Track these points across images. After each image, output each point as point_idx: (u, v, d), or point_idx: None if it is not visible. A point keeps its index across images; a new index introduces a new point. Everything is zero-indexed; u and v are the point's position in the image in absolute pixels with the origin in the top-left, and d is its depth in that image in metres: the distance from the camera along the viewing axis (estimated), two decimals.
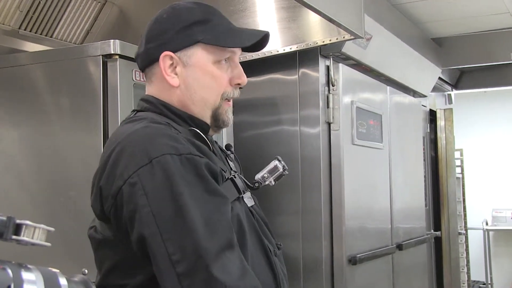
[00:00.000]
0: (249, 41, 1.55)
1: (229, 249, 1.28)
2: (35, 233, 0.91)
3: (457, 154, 6.43)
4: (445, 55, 5.52)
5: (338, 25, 3.04)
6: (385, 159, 4.16)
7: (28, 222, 0.90)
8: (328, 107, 3.49)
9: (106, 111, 2.48)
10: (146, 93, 1.61)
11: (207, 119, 1.56)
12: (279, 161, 1.62)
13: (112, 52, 2.48)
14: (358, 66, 3.92)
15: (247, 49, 1.60)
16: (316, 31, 3.28)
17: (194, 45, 1.51)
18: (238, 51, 1.58)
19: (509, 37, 5.35)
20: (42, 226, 0.91)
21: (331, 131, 3.51)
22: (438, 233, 5.66)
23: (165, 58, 1.51)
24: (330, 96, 3.49)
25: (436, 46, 5.47)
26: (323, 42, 3.26)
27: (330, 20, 2.95)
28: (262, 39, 1.58)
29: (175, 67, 1.52)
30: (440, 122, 5.94)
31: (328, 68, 3.53)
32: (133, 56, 2.53)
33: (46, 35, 3.22)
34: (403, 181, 4.42)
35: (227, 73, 1.56)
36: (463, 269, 6.36)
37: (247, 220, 1.49)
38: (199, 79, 1.52)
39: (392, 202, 4.18)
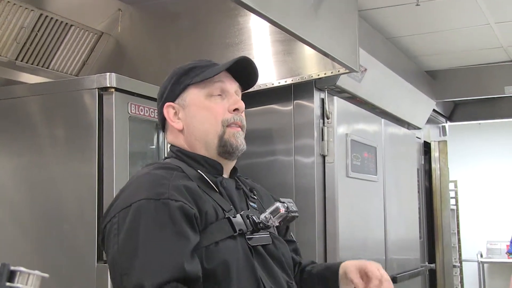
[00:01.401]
0: (227, 64, 1.69)
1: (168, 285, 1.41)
2: (29, 280, 0.91)
3: (451, 186, 6.44)
4: (439, 88, 5.56)
5: (333, 59, 3.07)
6: (380, 191, 4.16)
7: (22, 268, 0.89)
8: (322, 140, 3.50)
9: (101, 143, 2.49)
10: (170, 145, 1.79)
11: (214, 150, 1.69)
12: (282, 203, 1.67)
13: (108, 85, 2.50)
14: (353, 98, 3.94)
15: (244, 87, 1.78)
16: (311, 64, 3.31)
17: (186, 89, 1.71)
18: (229, 84, 1.72)
19: (503, 71, 5.40)
20: (37, 272, 0.91)
21: (326, 164, 3.52)
22: (432, 265, 5.63)
23: (168, 108, 1.72)
24: (325, 129, 3.50)
25: (430, 79, 5.51)
26: (318, 75, 3.29)
27: (325, 54, 2.98)
28: (245, 63, 1.72)
29: (178, 113, 1.71)
30: (435, 154, 5.95)
31: (323, 100, 3.55)
32: (129, 89, 2.57)
33: (42, 66, 3.24)
34: (397, 213, 4.42)
35: (223, 104, 1.70)
36: None
37: (244, 258, 1.57)
38: (196, 114, 1.69)
39: (386, 234, 4.18)
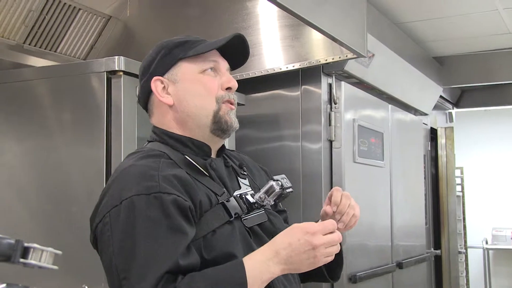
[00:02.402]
0: (222, 41, 1.64)
1: (165, 282, 1.37)
2: (43, 256, 0.91)
3: (457, 172, 6.43)
4: (446, 74, 5.54)
5: (341, 44, 3.06)
6: (386, 177, 4.16)
7: (36, 245, 0.90)
8: (330, 125, 3.49)
9: (110, 127, 2.49)
10: (153, 125, 1.71)
11: (207, 127, 1.62)
12: (275, 180, 1.62)
13: (117, 69, 2.48)
14: (360, 84, 3.93)
15: (234, 65, 1.72)
16: (319, 49, 3.29)
17: (177, 63, 1.63)
18: (222, 62, 1.68)
19: (510, 57, 5.37)
20: (50, 249, 0.92)
21: (333, 149, 3.52)
22: (438, 251, 5.64)
23: (156, 82, 1.63)
24: (332, 114, 3.50)
25: (438, 65, 5.48)
26: (326, 60, 3.28)
27: (333, 39, 2.97)
28: (238, 43, 1.67)
29: (167, 88, 1.63)
30: (441, 140, 5.94)
31: (330, 86, 3.54)
32: (137, 73, 2.56)
33: (50, 50, 3.23)
34: (403, 199, 4.42)
35: (216, 80, 1.65)
36: None
37: (242, 242, 1.54)
38: (189, 89, 1.62)
39: (392, 220, 4.18)
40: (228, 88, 1.66)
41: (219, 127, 1.63)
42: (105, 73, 2.50)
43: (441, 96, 5.79)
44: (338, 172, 3.50)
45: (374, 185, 3.99)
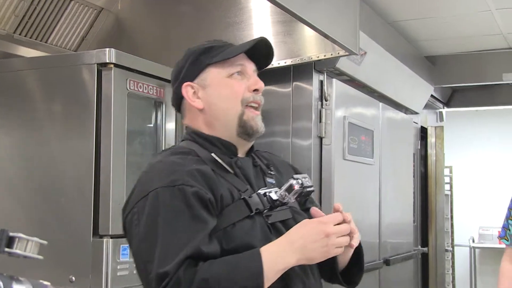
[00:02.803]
0: (248, 45, 1.71)
1: (187, 267, 1.46)
2: (28, 246, 0.91)
3: (446, 172, 6.45)
4: (438, 73, 5.55)
5: (333, 41, 3.06)
6: (376, 175, 4.17)
7: (21, 235, 0.90)
8: (320, 122, 3.50)
9: (100, 119, 2.48)
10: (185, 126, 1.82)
11: (234, 130, 1.70)
12: (295, 179, 1.67)
13: (107, 61, 2.48)
14: (352, 81, 3.93)
15: (259, 65, 1.78)
16: (311, 46, 3.30)
17: (206, 69, 1.71)
18: (248, 64, 1.75)
19: (501, 58, 5.39)
20: (35, 239, 0.92)
21: (323, 146, 3.52)
22: (425, 249, 5.67)
23: (187, 88, 1.72)
24: (323, 111, 3.50)
25: (429, 64, 5.50)
26: (318, 57, 3.28)
27: (325, 36, 2.97)
28: (261, 44, 1.73)
29: (197, 93, 1.71)
30: (431, 139, 5.96)
31: (321, 83, 3.54)
32: (128, 66, 2.56)
33: (41, 41, 3.21)
34: (392, 197, 4.43)
35: (243, 83, 1.72)
36: (448, 286, 6.37)
37: (262, 236, 1.60)
38: (217, 93, 1.70)
39: (381, 217, 4.19)
40: (255, 90, 1.73)
41: (244, 131, 1.71)
42: (96, 65, 2.50)
43: (432, 95, 5.81)
44: (328, 169, 3.50)
45: (363, 183, 4.00)
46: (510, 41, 5.07)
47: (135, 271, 2.46)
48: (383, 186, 4.24)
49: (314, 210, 1.70)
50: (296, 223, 1.68)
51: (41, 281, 0.93)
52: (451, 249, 6.53)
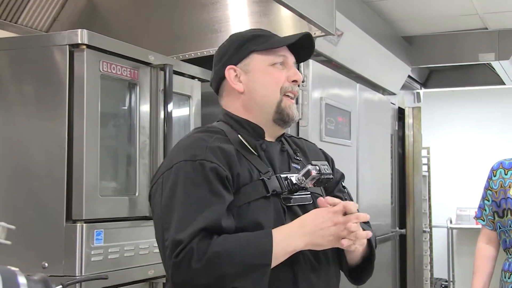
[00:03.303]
0: (293, 38, 1.80)
1: (202, 238, 1.56)
2: None
3: (424, 153, 6.50)
4: (415, 54, 5.58)
5: (309, 21, 3.05)
6: (353, 156, 4.19)
7: None
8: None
9: (72, 102, 2.45)
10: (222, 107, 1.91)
11: (270, 116, 1.79)
12: (313, 165, 1.73)
13: (80, 42, 2.43)
14: (329, 62, 3.93)
15: (299, 59, 1.88)
16: (287, 26, 3.28)
17: (250, 55, 1.81)
18: (289, 56, 1.83)
19: (477, 38, 5.43)
20: (2, 223, 0.90)
21: (299, 127, 3.52)
22: (403, 230, 5.72)
23: (230, 71, 1.81)
24: (300, 92, 3.49)
25: (407, 45, 5.52)
26: None
27: (301, 16, 2.95)
28: (305, 39, 1.82)
29: (239, 77, 1.81)
30: (408, 120, 6.00)
31: (298, 64, 3.52)
32: (101, 47, 2.52)
33: (10, 21, 3.15)
34: (370, 178, 4.45)
35: (284, 73, 1.81)
36: (426, 267, 6.44)
37: (275, 218, 1.69)
38: (259, 79, 1.80)
39: (358, 199, 4.21)
40: (294, 81, 1.81)
41: (281, 117, 1.80)
42: (68, 46, 2.45)
43: (409, 76, 5.84)
44: None
45: (340, 164, 3.94)
46: (486, 21, 5.10)
47: (109, 256, 2.48)
48: (360, 168, 4.26)
49: (320, 200, 1.72)
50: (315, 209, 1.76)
51: (9, 267, 0.91)
52: (429, 230, 6.60)
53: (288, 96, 1.81)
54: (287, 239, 1.61)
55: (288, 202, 1.73)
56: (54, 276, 2.35)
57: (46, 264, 2.40)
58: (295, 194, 1.75)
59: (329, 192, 1.89)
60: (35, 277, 0.97)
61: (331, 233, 1.61)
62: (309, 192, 1.80)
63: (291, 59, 1.83)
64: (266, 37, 1.83)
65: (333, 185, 1.92)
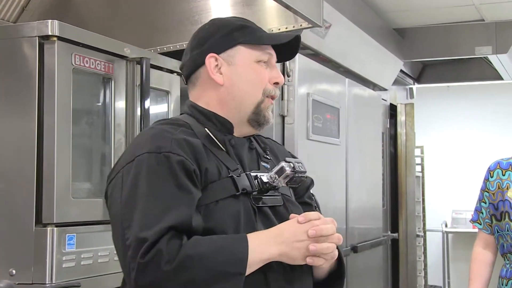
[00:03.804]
0: (285, 38, 1.80)
1: (171, 237, 1.53)
2: None
3: (417, 152, 6.53)
4: (407, 47, 5.60)
5: (295, 12, 3.06)
6: (342, 156, 4.21)
7: None
8: (282, 99, 3.51)
9: (42, 97, 2.44)
10: (189, 98, 1.88)
11: (246, 115, 1.78)
12: (288, 162, 1.73)
13: (50, 33, 2.43)
14: (316, 56, 3.95)
15: (280, 58, 1.85)
16: (272, 17, 3.29)
17: (236, 47, 1.78)
18: (274, 55, 1.82)
19: (474, 30, 5.46)
20: None
21: (285, 125, 3.53)
22: (395, 235, 5.75)
23: (211, 59, 1.77)
24: (285, 88, 3.51)
25: (399, 37, 5.55)
26: (279, 29, 3.27)
27: (287, 6, 2.96)
28: (295, 41, 1.81)
29: (220, 67, 1.77)
30: (401, 118, 6.03)
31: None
32: (74, 39, 2.52)
33: None
34: (360, 179, 4.48)
35: (267, 72, 1.80)
36: (420, 273, 6.47)
37: (245, 218, 1.67)
38: (243, 75, 1.78)
39: (347, 202, 4.23)
40: (276, 83, 1.81)
41: (256, 118, 1.79)
42: (37, 38, 2.45)
43: (401, 71, 5.87)
44: (291, 150, 3.46)
45: (328, 164, 4.03)
46: (483, 12, 5.14)
47: (82, 262, 2.47)
48: (350, 168, 4.28)
49: (292, 217, 1.70)
50: (288, 212, 1.76)
51: None
52: (422, 234, 6.63)
53: (269, 98, 1.80)
54: (264, 246, 1.60)
55: (258, 203, 1.71)
56: (22, 284, 2.36)
57: (14, 271, 2.40)
58: (265, 194, 1.73)
59: (298, 198, 1.88)
60: (1, 284, 0.97)
61: (305, 246, 1.60)
62: (279, 194, 1.78)
63: (274, 58, 1.83)
64: (253, 29, 1.81)
65: (303, 190, 1.90)
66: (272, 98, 1.81)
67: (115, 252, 2.58)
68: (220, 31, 1.80)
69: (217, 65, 1.77)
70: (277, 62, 1.86)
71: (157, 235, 1.51)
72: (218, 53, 1.77)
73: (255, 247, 1.57)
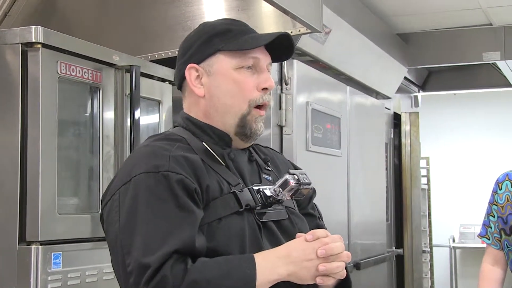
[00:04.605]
0: (265, 40, 1.72)
1: (175, 262, 1.51)
2: None
3: (422, 163, 6.53)
4: (411, 53, 5.60)
5: (293, 16, 3.06)
6: (343, 168, 4.20)
7: None
8: (280, 109, 3.50)
9: (26, 107, 2.44)
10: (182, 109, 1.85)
11: (231, 128, 1.74)
12: (292, 174, 1.71)
13: (34, 40, 2.43)
14: (315, 63, 3.95)
15: (276, 59, 1.80)
16: (268, 23, 3.29)
17: (215, 54, 1.73)
18: (263, 57, 1.75)
19: (481, 35, 5.46)
20: None
21: (283, 135, 3.53)
22: (400, 250, 5.74)
23: (191, 70, 1.75)
24: (283, 96, 3.51)
25: (402, 43, 5.55)
26: None
27: (284, 11, 2.96)
28: (281, 39, 1.74)
29: (201, 78, 1.75)
30: (405, 127, 6.03)
31: (281, 64, 3.54)
32: (59, 46, 2.52)
33: None
34: (362, 192, 4.47)
35: (253, 79, 1.73)
36: None
37: (250, 235, 1.66)
38: (221, 85, 1.73)
39: (350, 216, 4.23)
40: (264, 89, 1.74)
41: (243, 131, 1.74)
42: (20, 45, 2.45)
43: (405, 78, 5.87)
44: None
45: (329, 177, 4.02)
46: (490, 16, 5.15)
47: (69, 282, 2.46)
48: (352, 180, 4.27)
49: (299, 236, 1.69)
50: (293, 225, 1.76)
51: None
52: (429, 250, 6.62)
53: (258, 108, 1.74)
54: (272, 267, 1.58)
55: (262, 218, 1.70)
56: None
57: None
58: (268, 209, 1.72)
59: (302, 209, 1.87)
60: None
61: (315, 265, 1.59)
62: (283, 207, 1.77)
63: (264, 60, 1.76)
64: (238, 33, 1.74)
65: (306, 201, 1.89)
66: (262, 107, 1.75)
67: (104, 271, 2.62)
68: (200, 38, 1.76)
69: (198, 76, 1.74)
70: (274, 62, 1.82)
71: (160, 261, 1.49)
72: (198, 63, 1.74)
73: (263, 268, 1.57)
